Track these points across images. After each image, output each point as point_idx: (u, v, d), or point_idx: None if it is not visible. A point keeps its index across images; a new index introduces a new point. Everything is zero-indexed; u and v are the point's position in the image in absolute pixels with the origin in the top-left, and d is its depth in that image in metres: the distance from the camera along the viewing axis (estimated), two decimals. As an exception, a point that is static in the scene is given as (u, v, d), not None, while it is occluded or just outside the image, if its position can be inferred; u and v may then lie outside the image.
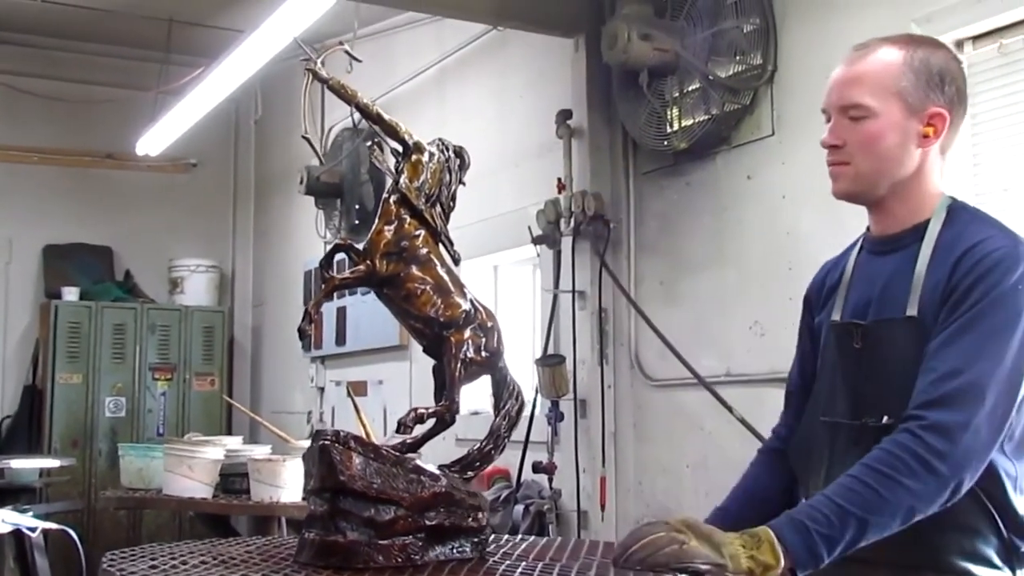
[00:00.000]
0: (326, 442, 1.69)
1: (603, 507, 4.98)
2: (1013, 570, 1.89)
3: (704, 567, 1.64)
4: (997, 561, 1.88)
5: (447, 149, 1.93)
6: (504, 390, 1.91)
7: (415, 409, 1.80)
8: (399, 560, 1.67)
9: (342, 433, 1.71)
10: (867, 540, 1.75)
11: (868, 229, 2.13)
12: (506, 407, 1.91)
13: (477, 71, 6.31)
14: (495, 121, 6.08)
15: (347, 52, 1.96)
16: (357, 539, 1.66)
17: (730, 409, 4.39)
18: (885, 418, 1.93)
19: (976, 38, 3.64)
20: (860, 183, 2.01)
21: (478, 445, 1.88)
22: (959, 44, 3.66)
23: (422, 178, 1.87)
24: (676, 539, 1.68)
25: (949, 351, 1.83)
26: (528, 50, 5.77)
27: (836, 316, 2.08)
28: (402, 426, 1.79)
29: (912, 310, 1.93)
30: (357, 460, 1.68)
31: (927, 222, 1.99)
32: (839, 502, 1.74)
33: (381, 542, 1.67)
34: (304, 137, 1.76)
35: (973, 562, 1.87)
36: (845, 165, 2.01)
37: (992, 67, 3.61)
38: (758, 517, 1.84)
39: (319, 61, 1.86)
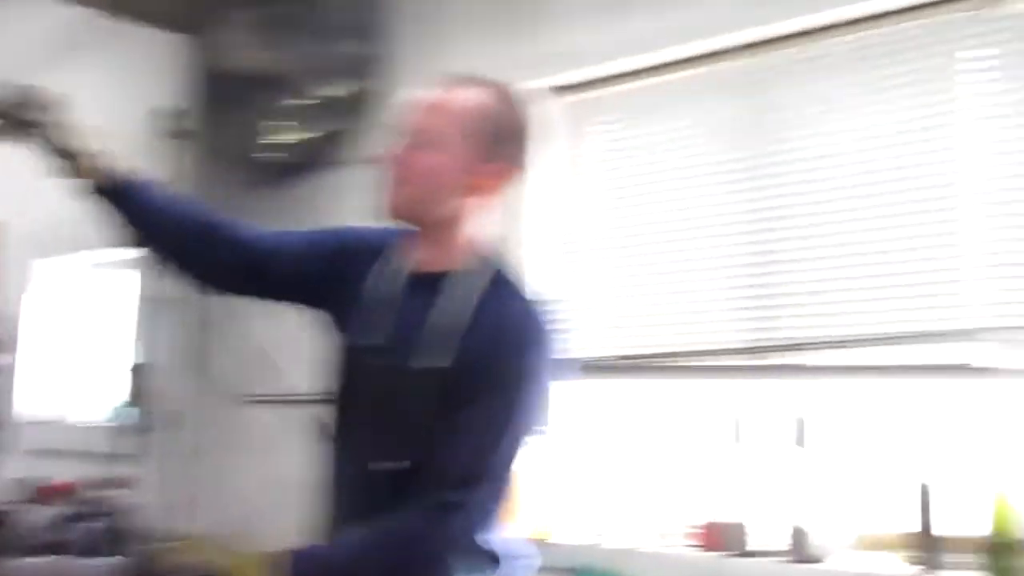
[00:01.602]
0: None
1: (184, 523, 4.80)
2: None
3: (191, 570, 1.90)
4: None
5: None
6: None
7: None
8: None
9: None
10: None
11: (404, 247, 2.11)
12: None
13: (73, 62, 5.94)
14: (91, 116, 5.73)
15: None
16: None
17: (313, 428, 4.33)
18: (387, 463, 1.96)
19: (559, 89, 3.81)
20: (404, 208, 2.01)
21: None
22: (557, 91, 3.83)
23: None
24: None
25: (462, 437, 1.88)
26: (130, 46, 5.50)
27: (355, 341, 2.06)
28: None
29: (427, 361, 1.94)
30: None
31: (459, 272, 2.00)
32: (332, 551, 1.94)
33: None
34: None
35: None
36: (397, 185, 2.00)
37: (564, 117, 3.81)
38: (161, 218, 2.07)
39: None
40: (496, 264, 2.04)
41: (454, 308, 1.96)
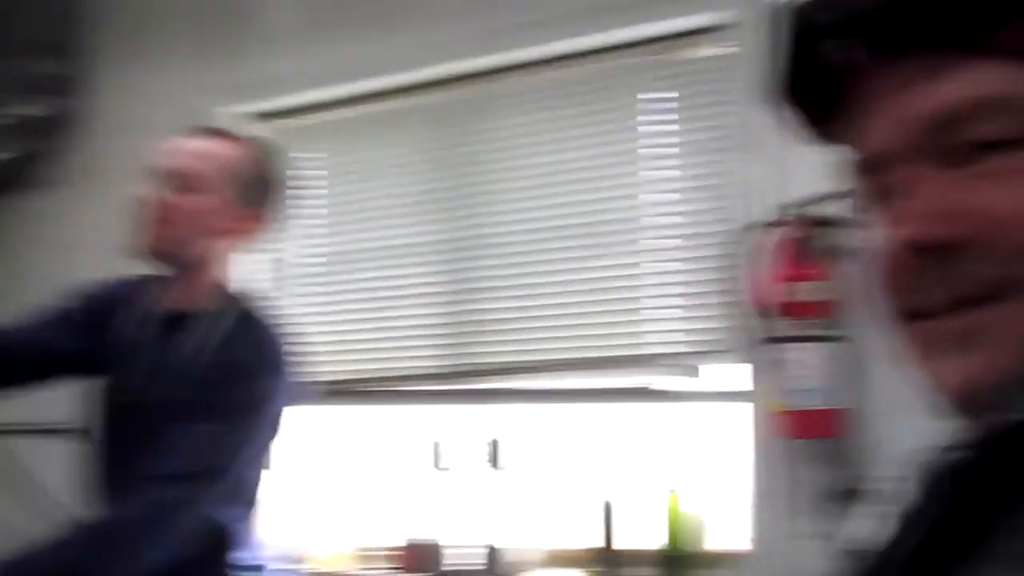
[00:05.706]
0: None
1: None
2: None
3: None
4: None
5: None
6: None
7: None
8: None
9: None
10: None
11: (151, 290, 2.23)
12: None
13: None
14: None
15: None
16: None
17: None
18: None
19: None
20: (164, 247, 2.15)
21: None
22: (263, 117, 3.81)
23: None
24: None
25: (196, 444, 2.02)
26: None
27: (112, 382, 2.20)
28: None
29: (171, 394, 2.10)
30: None
31: (206, 311, 2.15)
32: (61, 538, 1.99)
33: None
34: None
35: None
36: (159, 225, 2.13)
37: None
38: None
39: None
40: (243, 302, 2.20)
41: (198, 344, 2.11)
